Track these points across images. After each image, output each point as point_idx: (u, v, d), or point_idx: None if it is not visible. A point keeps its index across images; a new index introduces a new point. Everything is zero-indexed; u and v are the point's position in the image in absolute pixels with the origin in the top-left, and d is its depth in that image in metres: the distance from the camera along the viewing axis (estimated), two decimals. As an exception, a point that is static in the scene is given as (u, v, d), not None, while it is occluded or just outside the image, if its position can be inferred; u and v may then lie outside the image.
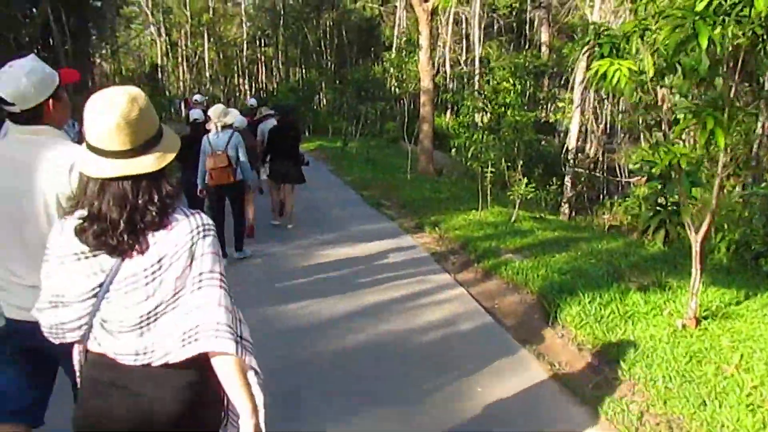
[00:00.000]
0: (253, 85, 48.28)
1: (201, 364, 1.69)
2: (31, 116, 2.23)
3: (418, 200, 11.43)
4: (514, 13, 33.05)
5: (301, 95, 26.78)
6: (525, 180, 10.00)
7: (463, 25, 33.38)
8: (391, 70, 18.77)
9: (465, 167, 14.57)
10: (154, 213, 1.63)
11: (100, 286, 1.66)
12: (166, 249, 1.64)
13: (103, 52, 32.99)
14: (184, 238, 1.66)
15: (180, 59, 45.62)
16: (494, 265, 6.89)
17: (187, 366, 1.69)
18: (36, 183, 2.18)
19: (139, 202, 1.62)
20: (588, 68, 5.19)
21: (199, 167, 6.73)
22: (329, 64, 39.55)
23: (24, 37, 15.53)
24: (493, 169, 10.27)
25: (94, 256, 1.64)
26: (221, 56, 47.96)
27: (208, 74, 44.32)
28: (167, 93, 27.96)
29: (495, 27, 35.37)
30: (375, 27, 32.47)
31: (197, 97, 12.62)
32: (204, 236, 1.69)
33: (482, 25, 29.91)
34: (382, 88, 23.52)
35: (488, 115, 10.95)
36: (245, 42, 43.39)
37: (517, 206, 9.55)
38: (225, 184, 6.74)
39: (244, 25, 42.32)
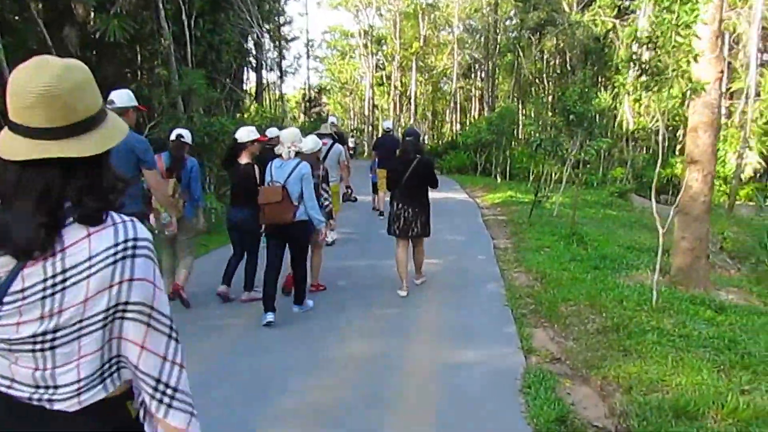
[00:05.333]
0: (466, 120, 43.83)
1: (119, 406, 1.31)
2: None
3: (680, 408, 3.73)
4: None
5: (495, 129, 20.80)
6: None
7: (725, 46, 25.33)
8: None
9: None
10: (92, 206, 1.21)
11: None
12: (76, 258, 1.19)
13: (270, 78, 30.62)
14: (104, 252, 1.20)
15: (391, 93, 42.87)
16: None
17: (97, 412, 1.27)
18: None
19: (71, 191, 1.20)
20: None
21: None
22: (548, 96, 33.46)
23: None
24: None
25: None
26: (431, 89, 44.33)
27: (413, 108, 40.66)
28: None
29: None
30: (606, 49, 25.56)
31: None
32: (133, 255, 1.23)
33: (759, 42, 22.12)
34: (608, 119, 17.05)
35: None
36: (455, 74, 38.86)
37: None
38: (280, 224, 5.55)
39: (454, 54, 37.80)
